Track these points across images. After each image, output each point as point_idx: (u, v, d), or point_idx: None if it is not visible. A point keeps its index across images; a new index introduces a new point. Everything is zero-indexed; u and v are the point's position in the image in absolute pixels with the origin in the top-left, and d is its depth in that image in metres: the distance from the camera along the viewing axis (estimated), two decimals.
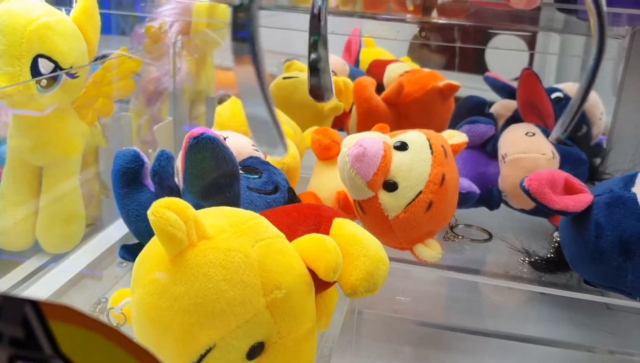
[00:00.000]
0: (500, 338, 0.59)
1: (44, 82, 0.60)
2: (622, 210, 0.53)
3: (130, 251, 0.56)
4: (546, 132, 0.73)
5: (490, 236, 0.75)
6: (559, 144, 0.70)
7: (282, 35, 1.07)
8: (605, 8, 0.48)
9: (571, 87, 0.86)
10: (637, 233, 0.52)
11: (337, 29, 0.98)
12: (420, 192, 0.55)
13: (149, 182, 0.55)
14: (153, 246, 0.38)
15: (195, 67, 0.97)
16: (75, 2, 0.64)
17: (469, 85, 0.99)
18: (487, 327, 0.61)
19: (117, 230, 0.73)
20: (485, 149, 0.76)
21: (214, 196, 0.47)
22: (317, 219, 0.46)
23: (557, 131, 0.57)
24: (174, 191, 0.53)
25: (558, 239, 0.63)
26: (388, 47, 1.17)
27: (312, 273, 0.40)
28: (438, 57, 1.28)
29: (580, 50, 1.10)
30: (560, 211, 0.55)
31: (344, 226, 0.44)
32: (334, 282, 0.41)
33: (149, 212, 0.35)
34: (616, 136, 0.77)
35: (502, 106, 0.85)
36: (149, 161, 0.56)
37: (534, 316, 0.64)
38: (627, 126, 0.77)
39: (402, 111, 0.88)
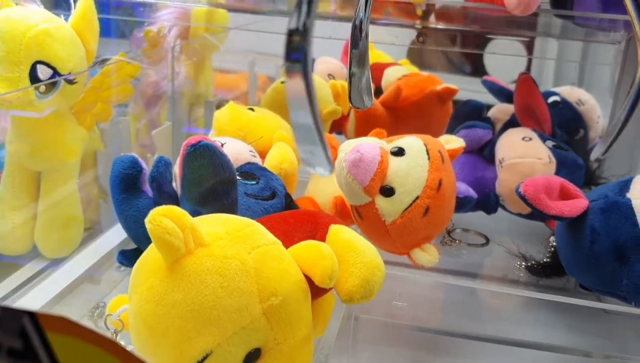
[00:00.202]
0: (497, 343, 0.59)
1: (42, 88, 0.60)
2: (617, 215, 0.53)
3: (128, 257, 0.57)
4: (543, 137, 0.73)
5: (488, 240, 0.75)
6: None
7: (281, 38, 1.07)
8: None
9: (568, 91, 0.85)
10: (631, 238, 0.52)
11: (336, 32, 0.98)
12: (417, 197, 0.55)
13: (148, 188, 0.55)
14: (150, 254, 0.39)
15: (194, 71, 0.97)
16: (74, 7, 0.65)
17: (468, 88, 0.99)
18: (484, 332, 0.61)
19: (116, 235, 0.73)
20: (482, 153, 0.76)
21: (212, 202, 0.47)
22: (314, 226, 0.46)
23: (597, 152, 0.57)
24: (172, 197, 0.53)
25: (554, 244, 0.63)
26: (386, 50, 1.17)
27: (309, 279, 0.40)
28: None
29: (578, 55, 1.10)
30: (555, 216, 0.55)
31: (340, 232, 0.45)
32: (330, 289, 0.41)
33: (146, 220, 0.35)
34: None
35: (500, 110, 0.85)
36: (147, 167, 0.56)
37: (531, 320, 0.64)
38: (624, 131, 0.76)
39: (400, 115, 0.88)
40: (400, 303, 0.58)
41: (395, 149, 0.57)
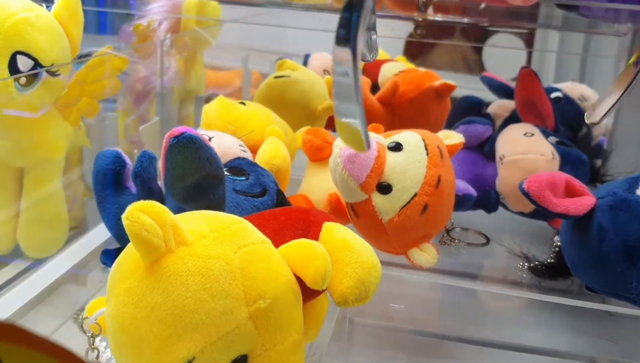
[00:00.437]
0: (498, 348, 0.58)
1: (23, 80, 0.58)
2: (627, 213, 0.51)
3: (111, 256, 0.55)
4: (545, 133, 0.71)
5: (488, 240, 0.74)
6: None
7: (275, 33, 1.05)
8: None
9: (570, 88, 0.85)
10: None
11: (331, 26, 0.97)
12: (415, 194, 0.54)
13: (132, 184, 0.53)
14: (129, 253, 0.37)
15: (185, 66, 0.96)
16: None
17: (466, 85, 0.98)
18: (484, 335, 0.60)
19: (102, 233, 0.72)
20: (482, 150, 0.75)
21: (197, 198, 0.45)
22: (306, 224, 0.45)
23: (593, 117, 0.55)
24: (156, 194, 0.51)
25: (558, 243, 0.61)
26: (384, 45, 1.16)
27: (300, 281, 0.38)
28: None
29: (580, 47, 1.08)
30: (561, 214, 0.53)
31: (334, 230, 0.43)
32: (323, 290, 0.40)
33: (123, 216, 0.33)
34: (617, 136, 0.75)
35: (500, 106, 0.83)
36: (131, 163, 0.54)
37: (534, 323, 0.63)
38: (628, 126, 0.75)
39: (397, 111, 0.87)
40: (397, 305, 0.57)
41: (393, 144, 0.56)
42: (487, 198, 0.71)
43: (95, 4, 0.95)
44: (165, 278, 0.34)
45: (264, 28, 0.95)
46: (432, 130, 0.61)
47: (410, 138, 0.56)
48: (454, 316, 0.64)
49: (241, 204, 0.52)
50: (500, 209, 0.73)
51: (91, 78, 0.68)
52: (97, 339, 0.41)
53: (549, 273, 0.63)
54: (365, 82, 0.86)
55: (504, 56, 1.19)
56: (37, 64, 0.58)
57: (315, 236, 0.43)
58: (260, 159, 0.61)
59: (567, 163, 0.69)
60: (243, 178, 0.55)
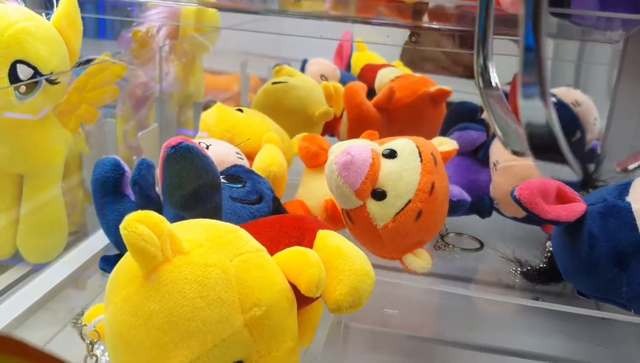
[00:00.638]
0: (492, 353, 0.58)
1: (22, 88, 0.58)
2: (617, 220, 0.52)
3: (110, 263, 0.55)
4: None
5: (482, 245, 0.74)
6: None
7: (273, 38, 1.05)
8: None
9: (565, 93, 0.84)
10: (631, 243, 0.51)
11: (328, 33, 0.97)
12: (410, 201, 0.54)
13: (131, 191, 0.54)
14: (126, 262, 0.37)
15: (184, 71, 0.96)
16: (57, 6, 0.63)
17: (463, 89, 0.98)
18: (479, 340, 0.60)
19: (102, 238, 0.72)
20: (476, 156, 0.75)
21: (194, 207, 0.46)
22: (301, 232, 0.45)
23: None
24: (154, 201, 0.51)
25: (551, 248, 0.61)
26: (381, 51, 1.16)
27: (295, 288, 0.38)
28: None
29: (574, 55, 1.08)
30: (552, 221, 0.54)
31: (328, 238, 0.43)
32: (318, 298, 0.40)
33: (121, 226, 0.34)
34: (610, 142, 0.76)
35: None
36: (129, 170, 0.54)
37: (527, 327, 0.63)
38: (621, 132, 0.76)
39: (394, 117, 0.88)
40: (391, 310, 0.57)
41: (387, 152, 0.56)
42: (481, 204, 0.72)
43: (95, 10, 0.95)
44: (162, 287, 0.34)
45: (261, 34, 0.95)
46: (428, 135, 0.61)
47: (404, 145, 0.57)
48: (448, 321, 0.64)
49: (238, 211, 0.53)
50: (495, 214, 0.73)
51: (90, 85, 0.69)
52: (96, 345, 0.41)
53: (542, 278, 0.63)
54: (361, 87, 0.87)
55: (500, 59, 1.19)
56: (37, 73, 0.59)
57: (310, 244, 0.43)
58: (257, 166, 0.62)
59: None
60: (240, 186, 0.56)
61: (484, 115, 0.83)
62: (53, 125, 0.66)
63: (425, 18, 0.78)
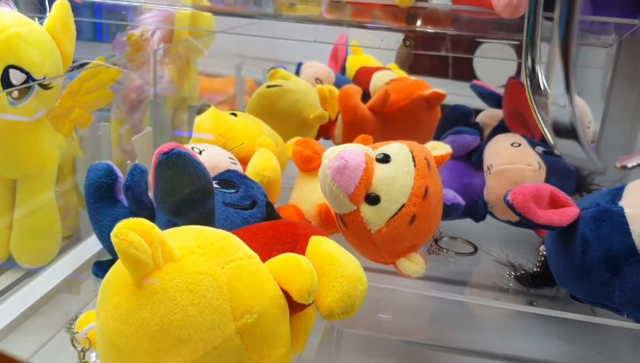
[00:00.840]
0: (486, 358, 0.58)
1: (15, 93, 0.58)
2: (609, 224, 0.52)
3: (103, 268, 0.55)
4: (532, 143, 0.72)
5: (476, 249, 0.74)
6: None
7: (268, 41, 1.05)
8: None
9: None
10: (624, 248, 0.51)
11: (323, 36, 0.97)
12: (403, 205, 0.54)
13: (123, 197, 0.53)
14: (118, 269, 0.37)
15: (178, 75, 0.96)
16: (50, 10, 0.63)
17: (458, 92, 0.98)
18: (473, 344, 0.60)
19: (96, 243, 0.71)
20: (470, 159, 0.75)
21: (187, 212, 0.46)
22: (293, 238, 0.45)
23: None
24: (147, 207, 0.51)
25: (544, 253, 0.61)
26: (375, 54, 1.16)
27: (287, 294, 0.38)
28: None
29: None
30: (545, 225, 0.54)
31: (320, 244, 0.43)
32: (310, 304, 0.40)
33: (112, 234, 0.34)
34: (604, 145, 0.76)
35: (488, 115, 0.84)
36: (122, 175, 0.54)
37: (521, 331, 0.63)
38: (615, 134, 0.76)
39: (388, 120, 0.88)
40: (384, 315, 0.57)
41: (381, 156, 0.56)
42: (475, 207, 0.72)
43: (91, 14, 0.95)
44: (154, 294, 0.34)
45: (256, 37, 0.95)
46: (423, 138, 0.61)
47: (398, 149, 0.57)
48: (442, 324, 0.64)
49: (231, 217, 0.53)
50: (488, 217, 0.73)
51: (84, 89, 0.68)
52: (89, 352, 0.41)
53: (535, 282, 0.63)
54: (356, 90, 0.87)
55: (495, 62, 1.19)
56: (29, 78, 0.59)
57: (302, 250, 0.43)
58: (251, 170, 0.62)
59: (554, 173, 0.69)
60: (233, 191, 0.56)
61: (478, 118, 0.84)
62: (46, 129, 0.65)
63: (419, 22, 0.78)
